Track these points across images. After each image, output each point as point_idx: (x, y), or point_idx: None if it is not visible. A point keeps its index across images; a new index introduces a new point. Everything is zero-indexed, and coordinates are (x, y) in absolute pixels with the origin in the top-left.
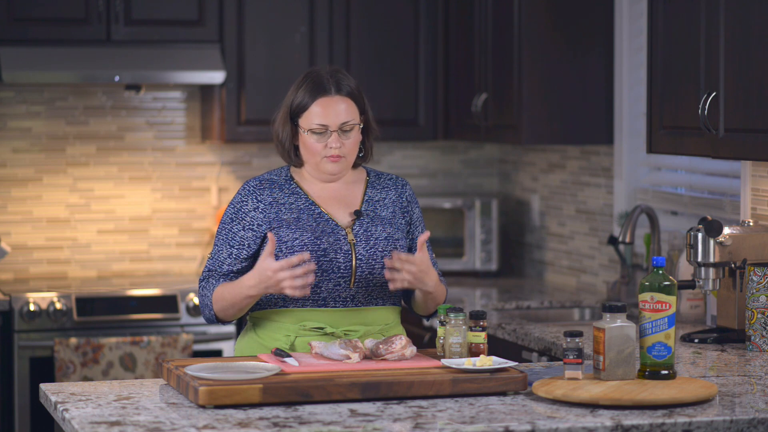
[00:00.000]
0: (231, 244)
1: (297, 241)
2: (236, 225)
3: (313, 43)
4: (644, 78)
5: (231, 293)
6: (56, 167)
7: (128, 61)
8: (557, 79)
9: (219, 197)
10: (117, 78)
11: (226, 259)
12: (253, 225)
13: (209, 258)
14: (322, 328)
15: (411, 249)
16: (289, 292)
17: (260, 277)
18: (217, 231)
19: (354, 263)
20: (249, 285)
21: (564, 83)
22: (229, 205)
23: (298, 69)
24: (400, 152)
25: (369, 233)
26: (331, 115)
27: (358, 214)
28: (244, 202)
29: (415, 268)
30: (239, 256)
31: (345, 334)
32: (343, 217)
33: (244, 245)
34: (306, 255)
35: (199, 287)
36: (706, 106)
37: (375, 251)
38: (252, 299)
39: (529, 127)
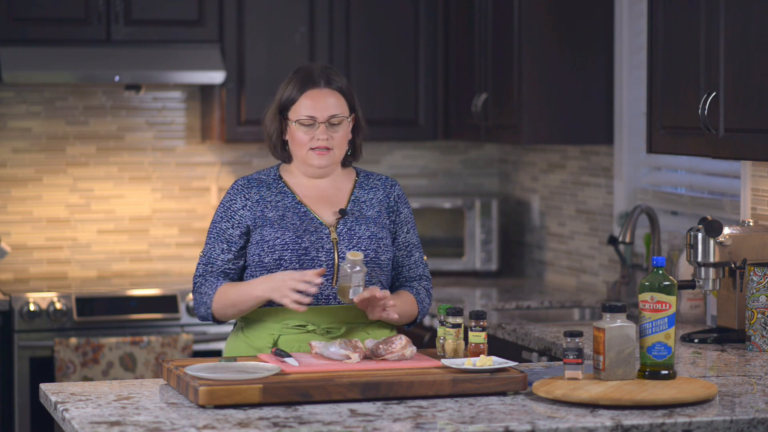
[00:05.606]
0: (221, 240)
1: (278, 240)
2: (225, 223)
3: (313, 43)
4: (644, 78)
5: (237, 293)
6: (56, 167)
7: (128, 61)
8: (557, 79)
9: (219, 197)
10: (117, 78)
11: (219, 255)
12: (242, 223)
13: (202, 256)
14: (303, 326)
15: (397, 248)
16: (286, 301)
17: (273, 281)
18: (209, 230)
19: (336, 261)
20: (257, 283)
21: (564, 83)
22: (219, 205)
23: None
24: (400, 152)
25: (352, 232)
26: (319, 108)
27: (342, 212)
28: (233, 201)
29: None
30: (230, 251)
31: (327, 331)
32: (328, 216)
33: (233, 241)
34: (323, 270)
35: (195, 284)
36: (706, 106)
37: (357, 250)
38: (257, 301)
39: (529, 127)
